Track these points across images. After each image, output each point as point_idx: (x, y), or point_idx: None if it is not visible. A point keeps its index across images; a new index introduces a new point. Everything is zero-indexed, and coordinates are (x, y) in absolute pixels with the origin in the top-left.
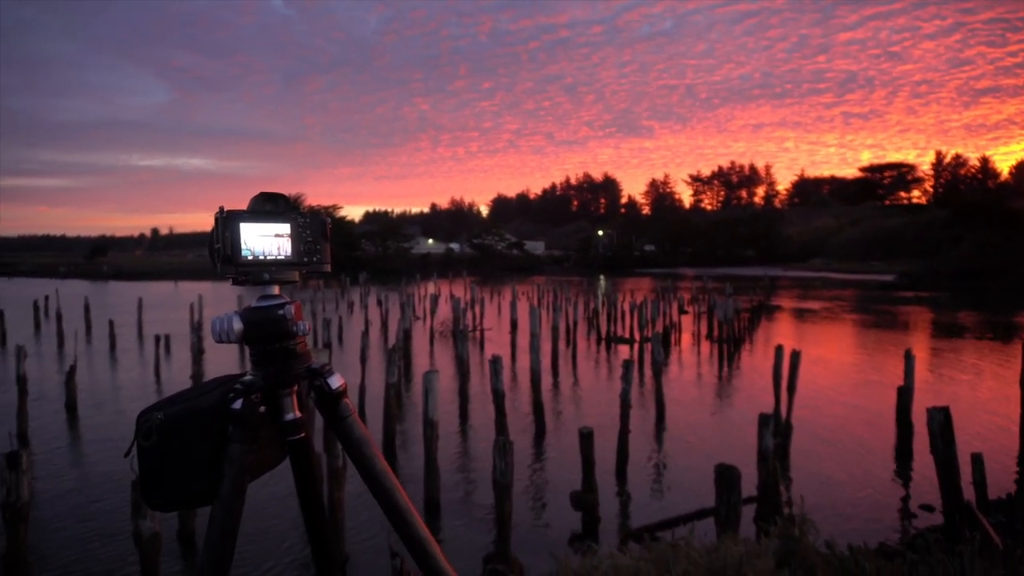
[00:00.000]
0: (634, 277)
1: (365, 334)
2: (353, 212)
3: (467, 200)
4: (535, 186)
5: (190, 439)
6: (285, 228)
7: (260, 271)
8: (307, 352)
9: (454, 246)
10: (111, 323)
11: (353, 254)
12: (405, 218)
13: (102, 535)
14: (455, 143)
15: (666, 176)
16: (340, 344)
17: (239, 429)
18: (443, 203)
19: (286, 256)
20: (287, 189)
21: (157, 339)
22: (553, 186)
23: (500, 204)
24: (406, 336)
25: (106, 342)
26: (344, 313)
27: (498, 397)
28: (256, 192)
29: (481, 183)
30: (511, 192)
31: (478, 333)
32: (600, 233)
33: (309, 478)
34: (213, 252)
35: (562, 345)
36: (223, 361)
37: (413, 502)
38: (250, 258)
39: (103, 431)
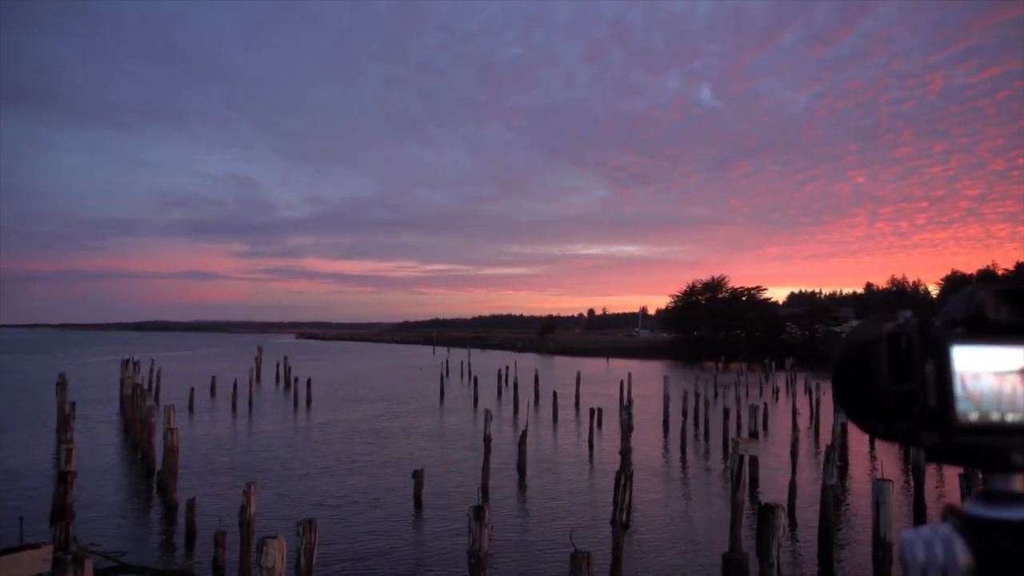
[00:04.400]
0: None
1: (794, 426)
2: (777, 294)
3: (911, 278)
4: (1006, 260)
5: None
6: None
7: (1004, 445)
8: None
9: None
10: (555, 394)
11: (778, 337)
12: (835, 299)
13: None
14: (897, 216)
15: None
16: (765, 432)
17: None
18: (880, 282)
19: None
20: (710, 272)
21: (591, 412)
22: None
23: (955, 282)
24: (843, 431)
25: (551, 411)
26: (769, 400)
27: None
28: (693, 275)
29: (929, 259)
30: (970, 268)
31: None
32: None
33: None
34: (875, 397)
35: None
36: (648, 445)
37: None
38: (975, 418)
39: (545, 492)
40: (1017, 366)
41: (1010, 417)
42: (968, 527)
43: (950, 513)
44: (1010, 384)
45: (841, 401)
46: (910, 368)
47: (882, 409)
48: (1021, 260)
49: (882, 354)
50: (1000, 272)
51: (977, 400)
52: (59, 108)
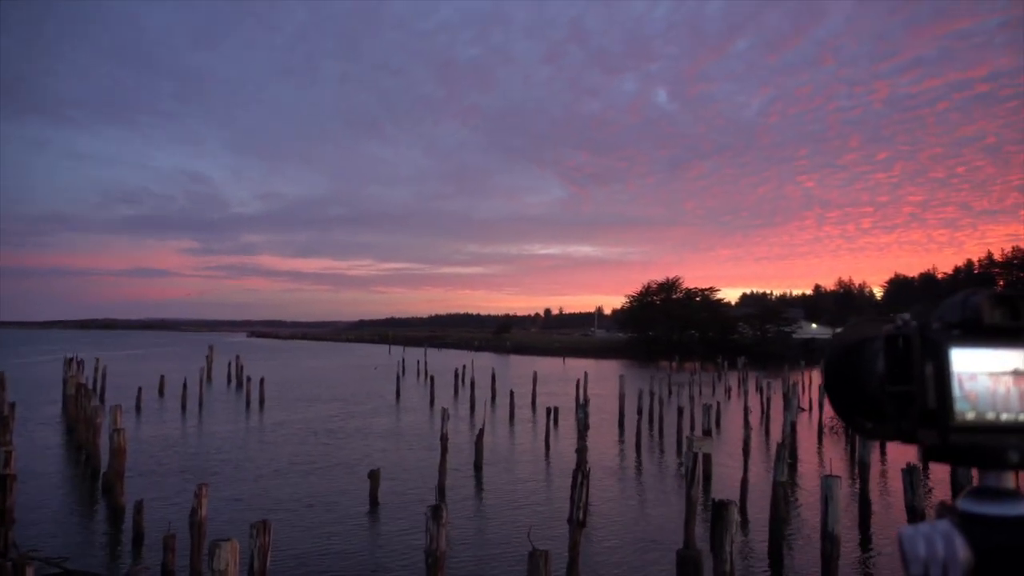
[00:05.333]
0: None
1: (746, 424)
2: (730, 295)
3: (857, 281)
4: (944, 264)
5: None
6: None
7: (1001, 444)
8: None
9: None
10: (512, 393)
11: (730, 337)
12: (785, 300)
13: None
14: (844, 220)
15: None
16: (718, 430)
17: None
18: (828, 284)
19: None
20: (664, 272)
21: (548, 411)
22: (969, 263)
23: (898, 285)
24: (792, 429)
25: (507, 410)
26: (721, 398)
27: (916, 516)
28: (646, 275)
29: (875, 262)
30: (912, 271)
31: None
32: None
33: None
34: (864, 397)
35: None
36: (604, 444)
37: None
38: (972, 418)
39: (502, 491)
40: (1011, 367)
41: (1004, 416)
42: (966, 523)
43: (946, 510)
44: (1004, 385)
45: (830, 399)
46: (909, 369)
47: (871, 408)
48: (959, 265)
49: (874, 355)
50: (940, 276)
51: (973, 400)
52: None
